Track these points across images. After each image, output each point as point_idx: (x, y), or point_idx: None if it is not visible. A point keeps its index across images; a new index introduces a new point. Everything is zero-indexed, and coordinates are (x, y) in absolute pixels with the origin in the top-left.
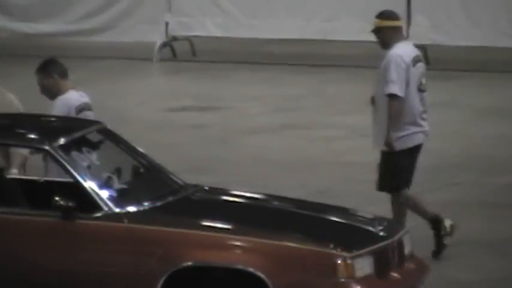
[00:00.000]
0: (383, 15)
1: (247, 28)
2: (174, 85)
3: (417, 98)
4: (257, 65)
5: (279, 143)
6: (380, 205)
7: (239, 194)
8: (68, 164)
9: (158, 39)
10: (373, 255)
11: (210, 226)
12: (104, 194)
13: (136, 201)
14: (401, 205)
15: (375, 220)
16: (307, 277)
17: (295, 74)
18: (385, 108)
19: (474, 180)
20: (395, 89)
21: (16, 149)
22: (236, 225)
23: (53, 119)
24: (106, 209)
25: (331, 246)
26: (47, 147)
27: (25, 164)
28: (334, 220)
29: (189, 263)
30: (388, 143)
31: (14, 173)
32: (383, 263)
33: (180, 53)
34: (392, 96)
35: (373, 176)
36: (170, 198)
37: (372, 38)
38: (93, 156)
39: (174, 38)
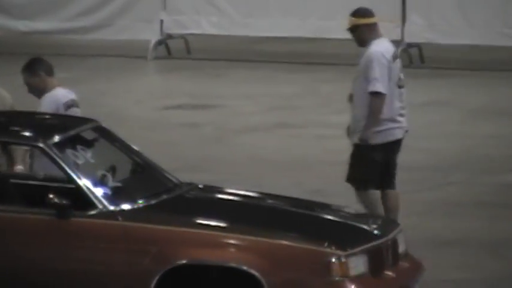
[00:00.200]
0: (358, 13)
1: (242, 26)
2: (168, 83)
3: (396, 93)
4: (252, 63)
5: (274, 141)
6: None
7: (233, 192)
8: (63, 161)
9: (153, 37)
10: (367, 253)
11: (204, 224)
12: (99, 191)
13: (131, 199)
14: (391, 202)
15: (369, 219)
16: (301, 275)
17: (290, 72)
18: (365, 104)
19: (471, 180)
20: (380, 86)
21: None
22: (230, 223)
23: (47, 116)
24: (100, 206)
25: (326, 244)
26: (41, 145)
27: (26, 158)
28: (328, 218)
29: (184, 261)
30: (363, 139)
31: (19, 169)
32: (377, 261)
33: (175, 51)
34: (376, 94)
35: None
36: (165, 197)
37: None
38: (88, 154)
39: (169, 36)
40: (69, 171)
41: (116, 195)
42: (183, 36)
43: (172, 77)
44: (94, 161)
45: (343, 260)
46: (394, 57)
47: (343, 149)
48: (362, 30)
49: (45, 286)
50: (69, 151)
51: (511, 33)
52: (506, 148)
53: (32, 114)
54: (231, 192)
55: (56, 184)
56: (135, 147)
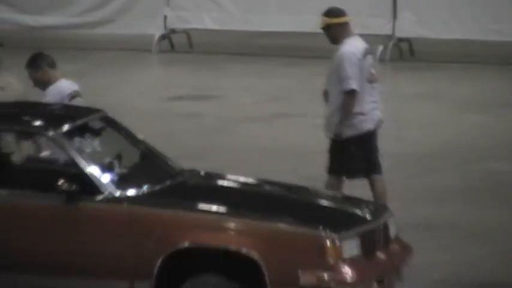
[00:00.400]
0: (331, 13)
1: (241, 22)
2: (171, 76)
3: (367, 89)
4: (251, 57)
5: (271, 131)
6: (365, 190)
7: (233, 179)
8: (71, 149)
9: (157, 32)
10: (360, 237)
11: (205, 209)
12: (105, 178)
13: (136, 185)
14: (378, 188)
15: (362, 204)
16: (298, 258)
17: (287, 66)
18: (338, 100)
19: (458, 167)
20: (353, 84)
21: None
22: (230, 208)
23: (56, 107)
24: (107, 192)
25: (321, 228)
26: (51, 134)
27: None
28: (323, 204)
29: (185, 244)
30: (338, 134)
31: (45, 155)
32: (369, 244)
33: (178, 45)
34: (350, 92)
35: None
36: (168, 183)
37: (355, 30)
38: (95, 143)
39: (172, 31)
40: (77, 159)
41: (121, 182)
42: (185, 31)
43: (175, 70)
44: (101, 149)
45: (337, 243)
46: (365, 54)
47: None
48: (334, 29)
49: (55, 267)
50: (77, 140)
51: (498, 29)
52: (491, 137)
53: (42, 105)
54: (231, 179)
55: (64, 171)
56: (139, 136)
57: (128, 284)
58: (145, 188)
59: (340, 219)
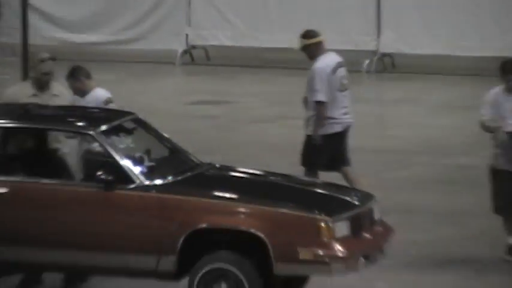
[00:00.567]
0: (307, 35)
1: (250, 39)
2: (191, 84)
3: (338, 96)
4: (258, 68)
5: (275, 130)
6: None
7: (243, 170)
8: (109, 145)
9: (180, 47)
10: (349, 220)
11: (220, 196)
12: (137, 169)
13: (162, 176)
14: (349, 176)
15: (351, 192)
16: (297, 237)
17: (288, 76)
18: (312, 106)
19: (431, 161)
20: (321, 96)
21: None
22: (241, 195)
23: (96, 110)
24: (138, 181)
25: (316, 212)
26: (91, 133)
27: None
28: (318, 191)
29: (204, 225)
30: (314, 138)
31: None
32: (357, 226)
33: (197, 58)
34: (318, 102)
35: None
36: (189, 174)
37: (345, 46)
38: (128, 140)
39: (193, 47)
40: (114, 154)
41: (150, 173)
42: (203, 47)
43: (195, 79)
44: (133, 146)
45: (330, 224)
46: (336, 68)
47: None
48: (310, 49)
49: (94, 243)
50: (113, 138)
51: (464, 45)
52: (460, 136)
53: (84, 108)
54: (242, 171)
55: (103, 163)
56: (165, 134)
57: (156, 258)
58: (170, 178)
59: (333, 204)
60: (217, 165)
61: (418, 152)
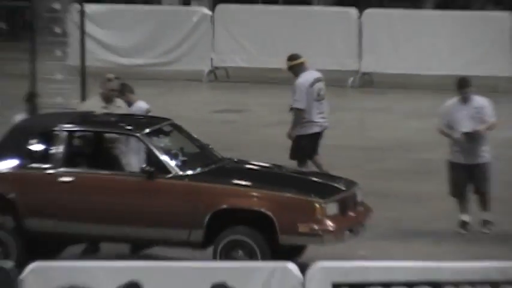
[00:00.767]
0: (291, 58)
1: (260, 61)
2: (215, 97)
3: (315, 105)
4: (267, 84)
5: (280, 132)
6: (341, 171)
7: (255, 163)
8: (151, 144)
9: (206, 68)
10: (337, 201)
11: (237, 183)
12: (173, 163)
13: (192, 168)
14: (318, 162)
15: (339, 179)
16: (297, 215)
17: (288, 90)
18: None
19: (400, 156)
20: (299, 104)
21: None
22: (254, 182)
23: (140, 117)
24: (174, 172)
25: (312, 196)
26: (137, 135)
27: None
28: (313, 179)
29: (224, 206)
30: (289, 134)
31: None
32: (344, 206)
33: (220, 77)
34: (297, 109)
35: (337, 153)
36: (213, 166)
37: (334, 67)
38: (166, 140)
39: (216, 68)
40: (155, 151)
41: (183, 165)
42: (224, 68)
43: (218, 93)
44: (170, 144)
45: (323, 205)
46: (313, 82)
47: (323, 136)
48: (294, 68)
49: (139, 221)
50: (154, 138)
51: (430, 65)
52: (424, 136)
53: (131, 115)
54: (254, 164)
55: (146, 158)
56: (194, 135)
57: (188, 231)
58: (198, 169)
59: (325, 190)
60: (235, 160)
61: (390, 149)
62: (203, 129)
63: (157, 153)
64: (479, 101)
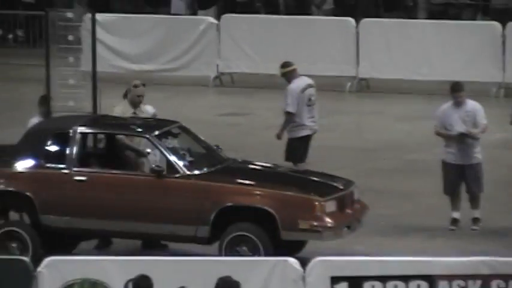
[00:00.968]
0: (284, 65)
1: (263, 68)
2: (221, 101)
3: (306, 109)
4: (269, 89)
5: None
6: (338, 170)
7: (259, 163)
8: (160, 146)
9: (212, 74)
10: (336, 199)
11: (241, 182)
12: (180, 163)
13: (199, 167)
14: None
15: (337, 178)
16: (298, 212)
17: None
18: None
19: (393, 156)
20: (290, 108)
21: None
22: (257, 181)
23: (151, 120)
24: (182, 172)
25: (312, 194)
26: (147, 136)
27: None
28: (313, 178)
29: (229, 204)
30: (278, 135)
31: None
32: (342, 204)
33: (225, 82)
34: (287, 113)
35: (335, 153)
36: (219, 166)
37: (333, 73)
38: (175, 141)
39: (222, 74)
40: (164, 151)
41: (190, 165)
42: (230, 74)
43: (223, 97)
44: (178, 146)
45: (322, 203)
46: (304, 88)
47: (322, 137)
48: (287, 75)
49: (149, 217)
50: (163, 139)
51: (420, 72)
52: (415, 138)
53: (141, 119)
54: (257, 164)
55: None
56: (201, 137)
57: (195, 227)
58: (205, 169)
59: (324, 188)
60: (239, 160)
61: (385, 149)
62: (209, 132)
63: (165, 153)
64: (472, 105)
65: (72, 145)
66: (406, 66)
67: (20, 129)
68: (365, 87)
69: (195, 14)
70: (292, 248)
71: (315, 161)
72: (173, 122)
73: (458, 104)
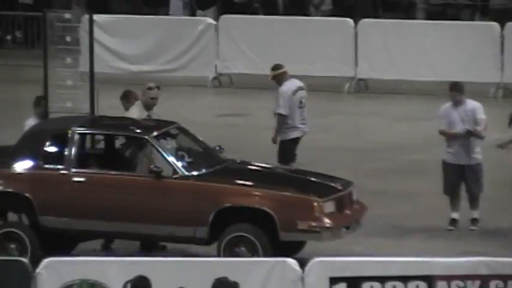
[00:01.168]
0: (275, 68)
1: (261, 69)
2: (219, 102)
3: (297, 112)
4: (267, 90)
5: None
6: (337, 171)
7: (257, 164)
8: (159, 147)
9: (210, 74)
10: (335, 200)
11: (240, 183)
12: (179, 164)
13: (198, 168)
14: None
15: (336, 179)
16: (297, 213)
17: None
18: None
19: (391, 157)
20: (281, 110)
21: None
22: (255, 182)
23: (150, 121)
24: (180, 173)
25: (311, 195)
26: (146, 137)
27: None
28: (312, 179)
29: (228, 205)
30: (274, 139)
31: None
32: (340, 204)
33: (224, 83)
34: (279, 114)
35: (334, 154)
36: (217, 167)
37: (332, 74)
38: (173, 142)
39: (220, 74)
40: (163, 152)
41: (189, 166)
42: (228, 74)
43: (221, 98)
44: (177, 146)
45: (320, 204)
46: (296, 91)
47: (321, 138)
48: (278, 77)
49: (147, 217)
50: (162, 141)
51: (419, 72)
52: (413, 139)
53: (142, 120)
54: (256, 165)
55: (155, 159)
56: (200, 138)
57: (193, 228)
58: (203, 170)
59: (323, 189)
60: (238, 161)
61: (383, 150)
62: (208, 132)
63: (165, 154)
64: (471, 104)
65: (71, 146)
66: (405, 67)
67: (18, 130)
68: (363, 87)
69: (193, 14)
70: (291, 249)
71: (313, 161)
72: (172, 123)
73: (457, 103)
